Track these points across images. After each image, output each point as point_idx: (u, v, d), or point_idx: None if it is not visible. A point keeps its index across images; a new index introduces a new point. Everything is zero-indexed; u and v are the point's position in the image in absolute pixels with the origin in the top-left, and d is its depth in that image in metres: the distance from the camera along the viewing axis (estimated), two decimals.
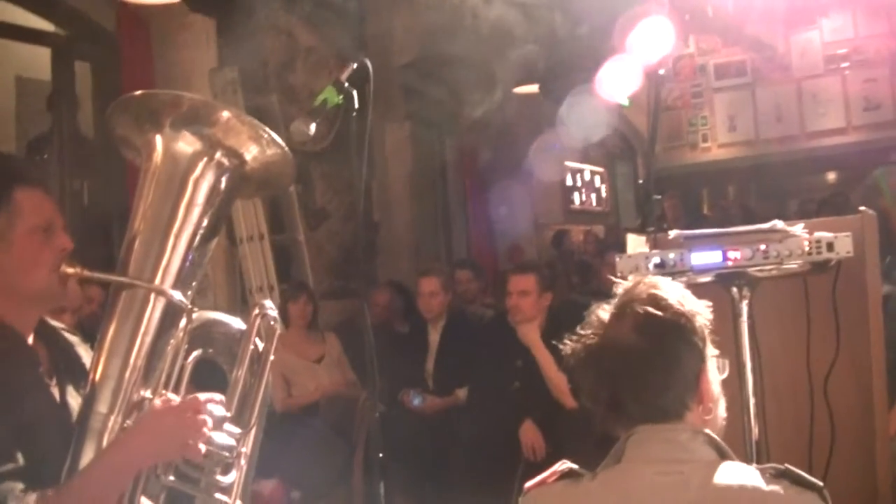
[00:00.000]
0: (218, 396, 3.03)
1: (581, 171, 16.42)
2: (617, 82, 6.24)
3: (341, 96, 3.91)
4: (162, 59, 9.23)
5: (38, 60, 9.71)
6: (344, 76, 3.96)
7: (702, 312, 2.83)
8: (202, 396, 2.97)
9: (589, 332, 2.85)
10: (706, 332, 2.83)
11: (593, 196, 16.80)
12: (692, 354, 2.79)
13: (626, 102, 10.97)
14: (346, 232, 11.10)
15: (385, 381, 8.23)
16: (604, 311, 2.87)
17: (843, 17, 14.19)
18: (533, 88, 12.43)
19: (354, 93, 3.95)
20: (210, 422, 2.95)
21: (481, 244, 14.25)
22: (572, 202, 16.21)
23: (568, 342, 2.90)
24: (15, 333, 3.05)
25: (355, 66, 4.03)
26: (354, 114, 3.97)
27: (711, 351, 2.86)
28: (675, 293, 2.83)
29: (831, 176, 16.13)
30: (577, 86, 10.58)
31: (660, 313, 2.77)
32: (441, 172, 14.66)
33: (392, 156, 12.58)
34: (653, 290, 2.83)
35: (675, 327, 2.78)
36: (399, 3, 11.46)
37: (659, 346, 2.76)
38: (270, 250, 9.59)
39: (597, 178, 16.90)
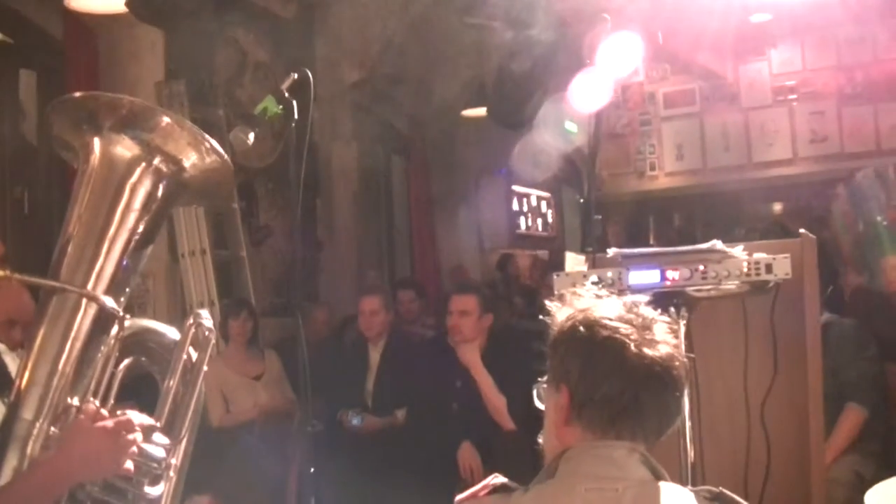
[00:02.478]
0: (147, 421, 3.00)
1: (528, 195, 16.44)
2: (584, 97, 6.21)
3: (281, 106, 3.88)
4: (109, 70, 9.18)
5: None
6: (284, 86, 3.93)
7: None
8: (131, 413, 2.93)
9: (623, 335, 2.69)
10: None
11: (539, 221, 16.81)
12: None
13: (573, 128, 11.00)
14: (289, 249, 11.05)
15: (325, 400, 8.19)
16: (614, 307, 2.77)
17: (792, 49, 14.29)
18: (481, 111, 12.42)
19: (294, 103, 3.92)
20: (140, 438, 2.91)
21: (425, 265, 14.23)
22: (518, 227, 16.21)
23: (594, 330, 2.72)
24: None
25: (296, 76, 4.00)
26: (293, 124, 3.93)
27: None
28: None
29: (777, 206, 16.20)
30: (526, 110, 10.56)
31: (679, 353, 2.74)
32: (387, 192, 14.63)
33: (338, 175, 12.53)
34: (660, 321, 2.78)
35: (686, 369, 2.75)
36: (350, 21, 11.44)
37: (681, 383, 2.71)
38: (212, 266, 9.53)
39: (543, 204, 16.91)
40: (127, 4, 8.13)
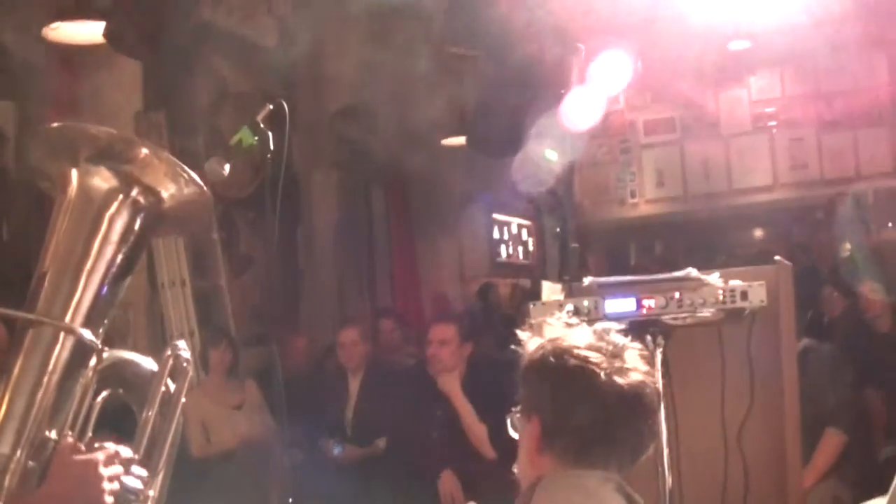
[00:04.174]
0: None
1: (508, 224, 16.41)
2: (566, 119, 6.27)
3: (256, 137, 3.87)
4: (88, 100, 9.17)
5: None
6: (260, 116, 3.93)
7: None
8: (110, 447, 2.92)
9: (594, 362, 2.71)
10: None
11: (520, 249, 16.77)
12: None
13: (552, 156, 11.01)
14: (270, 279, 11.03)
15: (305, 429, 8.18)
16: (584, 336, 2.79)
17: (771, 76, 14.31)
18: (461, 140, 12.43)
19: (269, 133, 3.92)
20: (121, 471, 2.90)
21: (406, 294, 14.21)
22: (499, 255, 16.17)
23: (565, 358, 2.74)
24: None
25: (271, 107, 4.00)
26: (269, 155, 3.93)
27: None
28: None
29: (758, 232, 16.22)
30: (505, 139, 10.59)
31: (652, 379, 2.76)
32: (368, 221, 14.61)
33: (319, 203, 12.54)
34: (632, 347, 2.79)
35: (659, 395, 2.81)
36: (331, 50, 11.46)
37: (654, 408, 2.74)
38: (192, 296, 9.52)
39: (524, 232, 16.89)
40: (105, 35, 8.13)
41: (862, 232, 12.28)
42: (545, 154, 10.68)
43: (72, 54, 9.04)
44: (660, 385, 4.47)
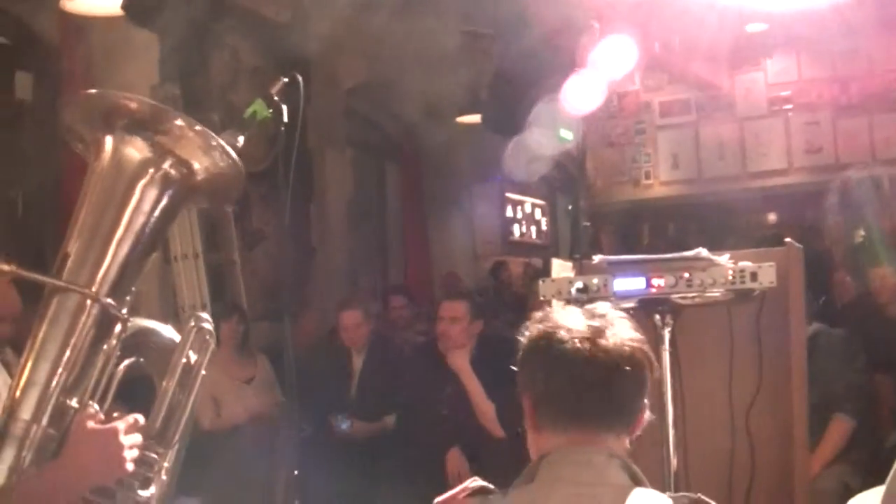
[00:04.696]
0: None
1: (522, 203, 16.40)
2: (578, 98, 6.25)
3: (270, 110, 3.87)
4: (104, 72, 9.15)
5: None
6: (274, 89, 3.92)
7: None
8: (129, 419, 2.93)
9: (563, 331, 2.79)
10: None
11: (533, 229, 16.76)
12: (648, 384, 2.82)
13: (567, 135, 10.99)
14: (281, 254, 11.04)
15: (313, 405, 8.20)
16: (573, 317, 2.84)
17: (788, 59, 14.28)
18: (475, 118, 12.41)
19: (284, 106, 3.92)
20: (140, 442, 2.91)
21: (418, 272, 14.23)
22: (512, 234, 16.17)
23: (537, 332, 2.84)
24: None
25: (286, 80, 4.00)
26: (283, 128, 3.93)
27: None
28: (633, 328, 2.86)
29: (772, 216, 16.18)
30: (520, 117, 10.57)
31: (638, 343, 2.79)
32: (381, 199, 14.63)
33: (332, 180, 12.53)
34: (621, 318, 2.86)
35: (648, 357, 2.81)
36: (346, 27, 11.45)
37: (638, 365, 2.77)
38: (204, 269, 9.52)
39: (537, 211, 16.88)
40: (123, 7, 8.13)
41: (876, 215, 12.27)
42: (559, 133, 10.68)
43: (89, 26, 9.03)
44: (667, 363, 4.53)
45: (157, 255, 9.05)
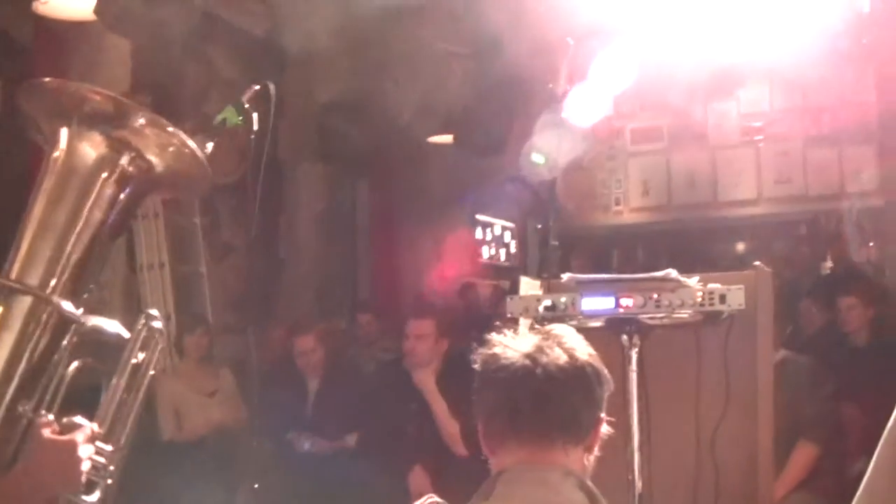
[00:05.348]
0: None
1: (491, 224, 16.40)
2: (575, 110, 6.26)
3: (241, 117, 3.85)
4: (75, 77, 9.11)
5: None
6: (246, 97, 3.90)
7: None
8: (82, 423, 2.89)
9: (510, 353, 2.84)
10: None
11: (503, 251, 16.77)
12: (600, 398, 2.85)
13: (539, 159, 10.98)
14: (250, 267, 11.02)
15: (277, 419, 8.17)
16: (523, 340, 2.88)
17: (760, 89, 14.30)
18: (447, 138, 12.41)
19: (255, 115, 3.89)
20: (93, 451, 2.88)
21: (386, 289, 14.22)
22: (480, 255, 16.17)
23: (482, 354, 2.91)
24: None
25: (257, 87, 3.97)
26: (252, 136, 3.91)
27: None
28: (587, 346, 2.90)
29: (740, 245, 16.21)
30: (493, 138, 10.57)
31: (584, 356, 2.83)
32: (351, 215, 14.61)
33: (303, 194, 12.51)
34: (573, 336, 2.91)
35: (594, 370, 2.83)
36: (322, 41, 11.43)
37: (580, 378, 2.80)
38: (171, 280, 9.50)
39: (507, 234, 16.88)
40: (96, 12, 8.10)
41: (843, 249, 12.33)
42: (532, 156, 10.67)
43: (62, 30, 8.99)
44: (634, 384, 4.51)
45: (123, 264, 9.00)
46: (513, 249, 17.06)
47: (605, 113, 15.02)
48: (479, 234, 16.09)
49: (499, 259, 16.68)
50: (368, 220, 14.71)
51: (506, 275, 16.18)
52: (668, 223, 15.10)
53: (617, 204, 15.40)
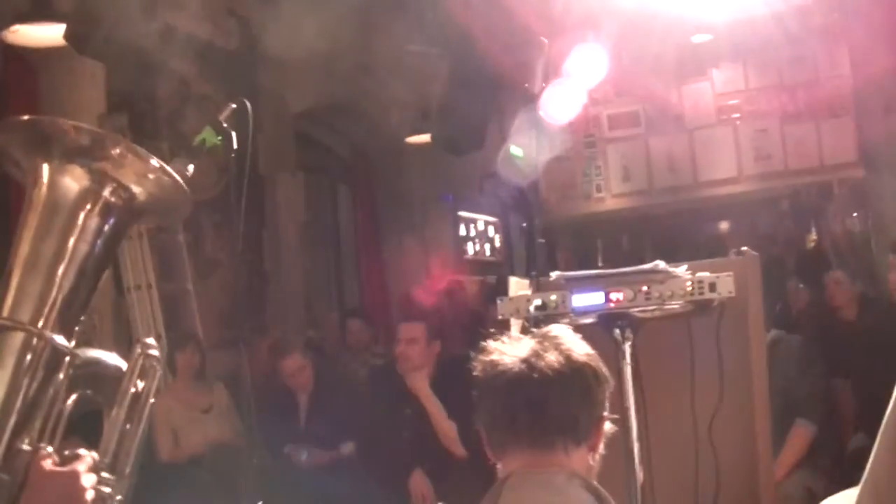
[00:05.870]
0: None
1: (474, 220, 16.39)
2: (553, 107, 6.27)
3: (220, 137, 3.84)
4: (50, 103, 9.11)
5: None
6: (222, 116, 3.89)
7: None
8: (84, 454, 2.88)
9: (506, 356, 2.86)
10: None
11: (487, 246, 16.76)
12: (600, 397, 2.86)
13: (518, 152, 10.99)
14: (236, 282, 11.00)
15: (273, 432, 8.17)
16: (519, 345, 2.89)
17: (734, 69, 14.30)
18: (425, 138, 12.41)
19: (233, 133, 3.88)
20: (95, 479, 2.87)
21: (374, 294, 14.22)
22: (465, 252, 16.16)
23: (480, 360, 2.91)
24: None
25: (234, 106, 3.97)
26: (233, 155, 3.90)
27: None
28: (585, 346, 2.90)
29: (724, 224, 16.24)
30: (470, 135, 10.56)
31: (581, 357, 2.83)
32: (334, 222, 14.61)
33: (284, 205, 12.50)
34: (570, 337, 2.91)
35: (592, 370, 2.84)
36: (292, 51, 11.43)
37: (577, 380, 2.80)
38: (158, 299, 9.48)
39: (490, 228, 16.88)
40: (66, 38, 8.08)
41: (826, 223, 12.37)
42: (510, 151, 10.67)
43: (33, 57, 8.98)
44: (629, 377, 4.52)
45: (110, 286, 8.98)
46: (497, 244, 17.05)
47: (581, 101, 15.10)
48: (462, 230, 16.09)
49: (484, 255, 16.67)
50: (351, 226, 14.71)
51: (492, 270, 16.20)
52: (650, 207, 15.11)
53: (598, 191, 15.38)
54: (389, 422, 7.67)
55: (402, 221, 14.53)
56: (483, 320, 10.83)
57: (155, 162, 2.96)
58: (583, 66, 6.04)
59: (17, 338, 2.86)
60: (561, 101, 6.20)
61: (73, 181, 2.92)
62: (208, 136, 3.77)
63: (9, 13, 8.14)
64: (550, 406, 2.78)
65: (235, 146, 3.83)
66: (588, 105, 15.02)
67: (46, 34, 8.23)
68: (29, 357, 2.85)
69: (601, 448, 2.90)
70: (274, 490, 7.08)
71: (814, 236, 12.91)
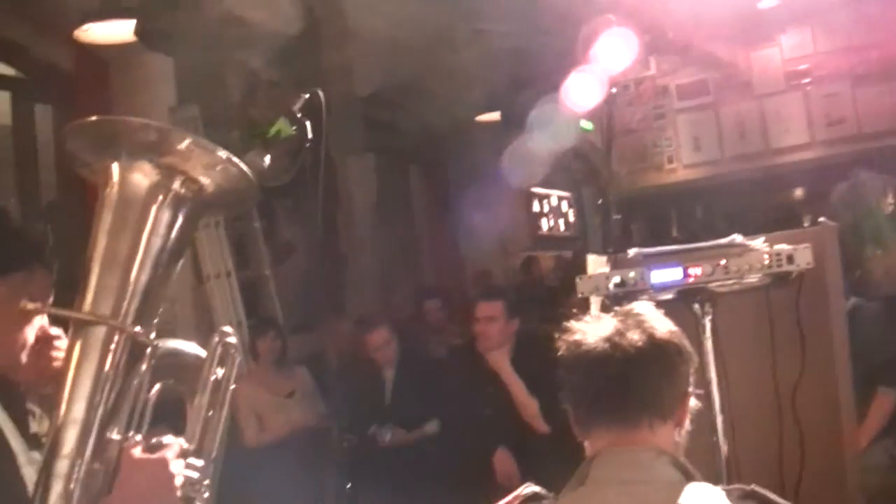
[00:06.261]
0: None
1: (547, 196, 16.38)
2: (579, 96, 6.25)
3: (294, 127, 3.88)
4: (121, 99, 9.19)
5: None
6: (296, 107, 3.93)
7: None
8: (170, 440, 2.94)
9: (589, 335, 2.87)
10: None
11: (561, 221, 16.75)
12: (684, 373, 2.87)
13: (588, 126, 10.98)
14: (312, 265, 11.06)
15: (357, 413, 8.23)
16: (602, 323, 2.91)
17: (802, 33, 14.20)
18: (495, 116, 12.43)
19: (308, 123, 3.92)
20: (183, 466, 2.93)
21: (449, 273, 14.23)
22: (540, 228, 16.16)
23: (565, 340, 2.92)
24: None
25: (307, 96, 4.00)
26: (308, 144, 3.94)
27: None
28: (668, 322, 2.92)
29: (798, 192, 16.11)
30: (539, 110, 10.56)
31: (664, 334, 2.85)
32: (406, 202, 14.64)
33: (356, 188, 12.55)
34: (653, 314, 2.92)
35: (675, 347, 2.85)
36: (357, 34, 11.45)
37: (661, 357, 2.82)
38: (237, 287, 9.56)
39: (563, 204, 16.86)
40: (136, 33, 8.17)
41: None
42: (581, 125, 10.67)
43: (104, 54, 9.07)
44: (711, 353, 4.53)
45: (189, 276, 9.09)
46: (571, 218, 17.04)
47: (648, 72, 15.05)
48: (535, 206, 16.09)
49: (558, 230, 16.68)
50: (424, 205, 14.74)
51: (566, 245, 16.21)
52: (722, 176, 15.02)
53: (670, 162, 15.34)
54: (471, 401, 7.68)
55: (474, 199, 14.54)
56: (559, 296, 10.86)
57: (222, 153, 3.00)
58: (611, 49, 5.98)
59: (100, 332, 2.93)
60: (584, 88, 6.18)
61: (143, 177, 2.98)
62: (283, 127, 3.82)
63: (79, 12, 8.25)
64: (634, 384, 2.79)
65: (310, 135, 3.87)
66: (656, 75, 14.99)
67: (116, 31, 8.33)
68: (112, 350, 2.92)
69: (686, 424, 2.91)
70: (360, 472, 7.10)
71: (890, 200, 12.74)
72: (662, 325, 2.88)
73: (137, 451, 2.88)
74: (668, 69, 15.07)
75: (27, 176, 9.34)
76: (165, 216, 2.99)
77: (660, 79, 15.18)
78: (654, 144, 15.31)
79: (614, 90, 5.92)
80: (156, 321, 3.04)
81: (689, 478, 2.75)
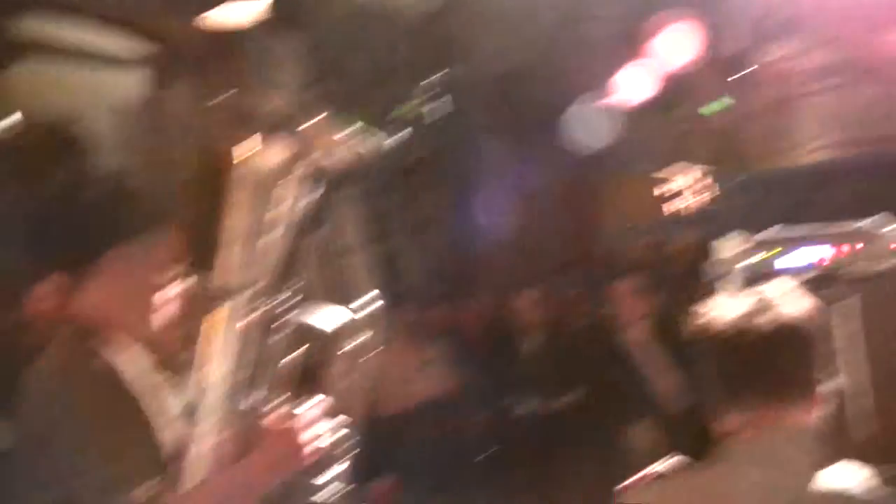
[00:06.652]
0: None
1: (683, 174, 16.22)
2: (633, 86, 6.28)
3: (425, 108, 3.97)
4: (251, 81, 9.32)
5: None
6: (425, 87, 4.02)
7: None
8: (313, 403, 3.07)
9: (725, 315, 2.92)
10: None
11: (695, 199, 16.56)
12: (819, 355, 2.92)
13: (726, 103, 10.91)
14: (449, 237, 11.16)
15: (491, 386, 8.30)
16: (735, 304, 2.96)
17: None
18: None
19: (438, 101, 4.01)
20: (319, 431, 3.07)
21: (585, 249, 14.21)
22: (674, 207, 16.00)
23: (703, 324, 2.98)
24: None
25: (438, 76, 4.10)
26: (439, 123, 4.03)
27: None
28: (803, 303, 2.93)
29: None
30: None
31: (800, 315, 2.88)
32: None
33: (491, 161, 12.59)
34: (787, 295, 2.95)
35: (810, 328, 2.90)
36: (487, 15, 11.46)
37: (796, 338, 2.87)
38: (373, 258, 9.68)
39: (698, 183, 16.66)
40: (267, 14, 8.30)
41: None
42: (715, 103, 10.62)
43: (234, 37, 9.20)
44: (846, 335, 4.52)
45: (325, 249, 9.22)
46: (706, 197, 16.89)
47: (778, 53, 14.91)
48: (671, 185, 15.97)
49: (692, 209, 16.54)
50: (559, 183, 14.71)
51: (700, 224, 16.09)
52: (853, 158, 14.84)
53: (800, 144, 15.18)
54: (608, 376, 7.75)
55: (608, 177, 14.50)
56: (693, 274, 10.87)
57: (349, 131, 3.11)
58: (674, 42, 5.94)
59: (237, 302, 3.07)
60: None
61: (274, 154, 3.11)
62: (411, 107, 3.92)
63: None
64: (766, 367, 2.85)
65: (440, 114, 3.97)
66: (786, 58, 14.85)
67: (240, 14, 8.48)
68: (250, 322, 3.06)
69: (823, 406, 2.94)
70: (496, 442, 7.18)
71: None
72: (798, 306, 2.91)
73: (272, 418, 3.02)
74: (793, 52, 14.91)
75: (161, 155, 9.51)
76: (301, 189, 3.15)
77: (785, 61, 15.03)
78: (786, 126, 15.17)
79: (754, 68, 5.92)
80: (292, 292, 3.17)
81: (825, 459, 2.81)
